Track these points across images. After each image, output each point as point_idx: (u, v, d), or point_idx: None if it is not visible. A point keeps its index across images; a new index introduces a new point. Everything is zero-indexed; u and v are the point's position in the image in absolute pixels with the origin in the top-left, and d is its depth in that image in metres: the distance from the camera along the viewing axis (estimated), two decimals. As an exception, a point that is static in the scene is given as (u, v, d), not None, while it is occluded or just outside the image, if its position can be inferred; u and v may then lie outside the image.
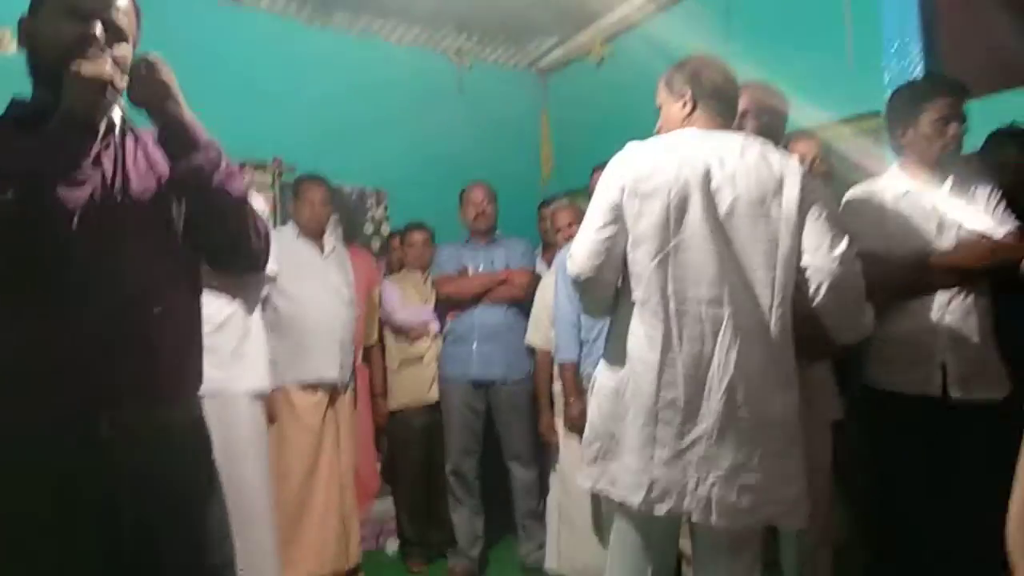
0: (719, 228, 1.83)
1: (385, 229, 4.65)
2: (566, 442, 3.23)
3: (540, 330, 3.42)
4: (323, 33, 4.59)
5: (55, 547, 1.25)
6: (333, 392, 3.42)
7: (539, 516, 3.55)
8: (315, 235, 3.56)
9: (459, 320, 3.63)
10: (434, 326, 3.80)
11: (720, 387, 1.78)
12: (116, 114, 1.28)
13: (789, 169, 1.88)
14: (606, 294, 1.95)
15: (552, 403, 3.38)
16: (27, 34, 1.39)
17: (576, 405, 3.06)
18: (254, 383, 2.76)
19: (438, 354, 3.76)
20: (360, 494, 3.76)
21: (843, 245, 1.83)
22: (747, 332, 1.80)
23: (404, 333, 3.81)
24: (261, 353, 2.84)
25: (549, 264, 3.83)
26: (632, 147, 1.94)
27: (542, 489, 3.56)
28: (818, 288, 1.83)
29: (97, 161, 1.33)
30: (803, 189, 1.85)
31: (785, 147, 2.76)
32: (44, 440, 1.27)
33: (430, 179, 4.53)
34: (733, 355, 1.79)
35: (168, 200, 1.41)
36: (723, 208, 1.83)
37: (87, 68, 1.25)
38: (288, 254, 3.43)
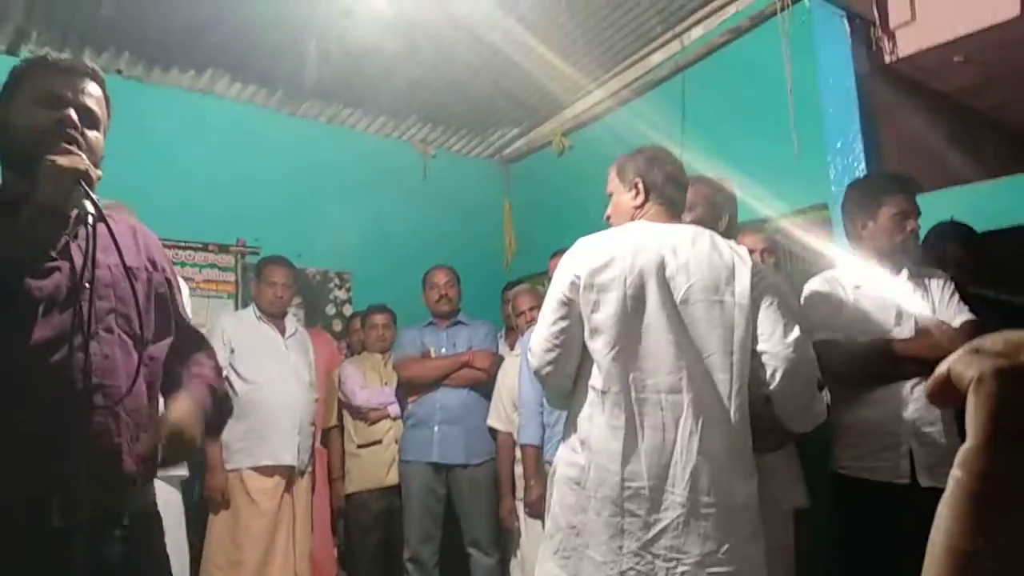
0: (676, 316, 1.87)
1: (347, 311, 4.65)
2: (527, 527, 3.19)
3: (502, 413, 3.42)
4: (291, 120, 4.71)
5: None
6: (290, 476, 3.36)
7: None
8: (277, 317, 3.57)
9: (420, 403, 3.61)
10: (394, 408, 3.77)
11: (684, 475, 1.78)
12: (88, 204, 1.27)
13: (739, 257, 1.95)
14: (565, 385, 1.96)
15: (514, 487, 3.35)
16: None
17: (536, 489, 3.05)
18: (183, 468, 2.78)
19: (397, 437, 3.73)
20: (316, 581, 3.65)
21: (796, 332, 1.89)
22: (708, 418, 1.82)
23: (363, 415, 3.78)
24: None
25: (512, 347, 3.87)
26: (583, 242, 1.98)
27: (503, 575, 3.49)
28: (773, 374, 1.88)
29: (65, 251, 1.33)
30: (754, 275, 1.92)
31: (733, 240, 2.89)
32: (2, 526, 1.24)
33: (394, 262, 4.58)
34: (695, 442, 1.80)
35: (135, 294, 1.41)
36: (679, 295, 1.88)
37: (63, 160, 1.26)
38: (249, 336, 3.44)
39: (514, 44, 3.94)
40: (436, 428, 3.54)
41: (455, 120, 4.97)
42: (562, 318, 1.90)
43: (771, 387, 1.89)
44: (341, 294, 4.74)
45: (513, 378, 3.31)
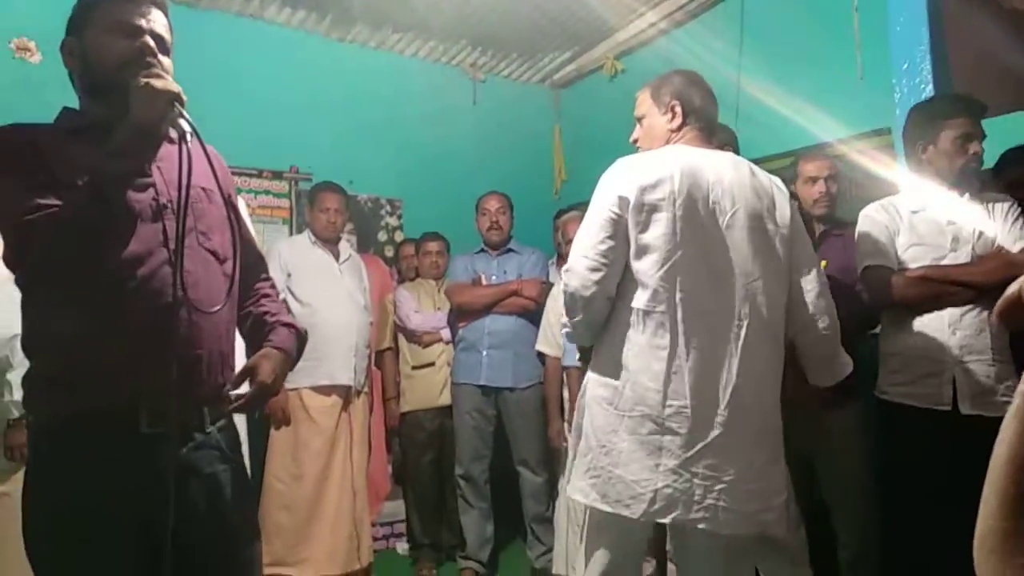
0: (722, 239, 1.88)
1: (399, 237, 4.71)
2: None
3: (550, 337, 3.47)
4: (341, 46, 4.68)
5: (100, 534, 1.30)
6: (347, 395, 3.48)
7: (548, 520, 3.59)
8: (331, 242, 3.65)
9: (469, 328, 3.70)
10: (446, 333, 3.88)
11: (726, 395, 1.81)
12: (184, 123, 1.33)
13: (778, 188, 1.98)
14: (604, 309, 1.93)
15: (562, 409, 3.42)
16: (73, 52, 1.45)
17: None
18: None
19: (450, 359, 3.84)
20: (372, 496, 3.82)
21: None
22: (750, 341, 1.84)
23: (417, 338, 3.89)
24: None
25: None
26: (626, 162, 1.96)
27: (551, 494, 3.60)
28: (805, 314, 1.96)
29: (157, 168, 1.40)
30: (793, 209, 1.97)
31: (796, 165, 2.83)
32: (91, 432, 1.33)
33: (444, 189, 4.61)
34: (736, 363, 1.82)
35: (223, 212, 1.50)
36: (724, 219, 1.88)
37: (158, 82, 1.31)
38: (304, 261, 3.53)
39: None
40: (484, 353, 3.64)
41: (505, 44, 4.88)
42: (609, 237, 1.89)
43: (798, 328, 1.96)
44: (392, 220, 4.79)
45: (562, 304, 3.34)
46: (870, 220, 2.45)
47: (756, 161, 2.09)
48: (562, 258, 4.12)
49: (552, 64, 5.20)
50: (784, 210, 1.93)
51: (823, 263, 2.44)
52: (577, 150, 5.27)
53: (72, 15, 1.46)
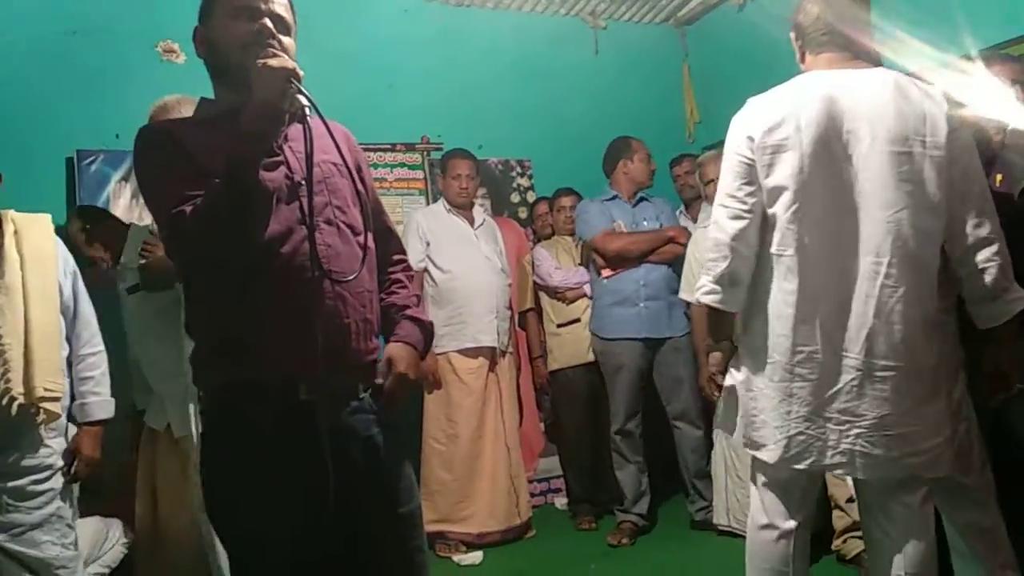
0: (857, 170, 1.75)
1: (531, 197, 4.71)
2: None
3: (693, 285, 3.36)
4: (460, 10, 4.68)
5: (271, 495, 1.39)
6: (493, 356, 3.55)
7: (708, 475, 3.53)
8: (464, 208, 3.71)
9: (620, 280, 3.60)
10: (589, 287, 3.82)
11: (859, 337, 1.72)
12: (303, 99, 1.35)
13: (932, 101, 1.78)
14: (748, 260, 1.84)
15: (711, 358, 3.33)
16: (202, 41, 1.52)
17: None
18: None
19: (594, 315, 3.79)
20: (526, 453, 3.90)
21: (984, 206, 1.77)
22: (891, 278, 1.72)
23: (561, 295, 3.87)
24: None
25: (695, 219, 3.78)
26: (753, 102, 1.88)
27: (709, 446, 3.54)
28: (959, 249, 1.78)
29: (288, 147, 1.44)
30: (950, 123, 1.76)
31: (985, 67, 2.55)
32: (254, 402, 1.41)
33: (573, 144, 4.54)
34: (872, 304, 1.71)
35: (352, 186, 1.53)
36: (861, 148, 1.75)
37: (274, 61, 1.34)
38: (441, 229, 3.61)
39: None
40: (643, 304, 3.56)
41: (624, -14, 4.72)
42: (745, 183, 1.82)
43: (957, 259, 1.78)
44: (524, 181, 4.79)
45: (704, 250, 3.23)
46: None
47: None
48: (689, 203, 4.02)
49: (675, 2, 4.98)
50: (938, 128, 1.74)
51: (998, 177, 2.21)
52: (709, 88, 5.04)
53: (201, 4, 1.52)
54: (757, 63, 3.56)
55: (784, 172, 1.76)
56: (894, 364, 1.72)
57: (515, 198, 4.77)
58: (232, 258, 1.36)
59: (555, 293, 3.89)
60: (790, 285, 1.77)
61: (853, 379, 1.73)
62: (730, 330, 2.03)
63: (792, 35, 1.97)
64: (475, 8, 4.72)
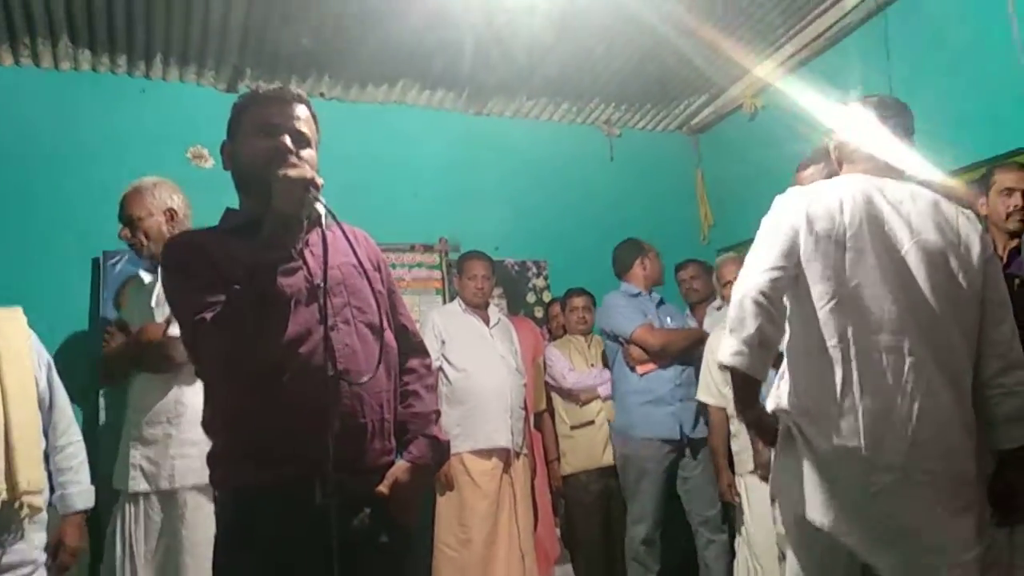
0: (897, 272, 1.75)
1: (547, 297, 4.74)
2: (750, 502, 3.09)
3: (712, 387, 3.34)
4: (479, 119, 4.86)
5: None
6: (507, 458, 3.50)
7: None
8: (480, 308, 3.74)
9: (653, 379, 3.57)
10: (603, 389, 3.80)
11: (905, 437, 1.68)
12: (320, 207, 1.41)
13: (966, 219, 1.83)
14: (776, 323, 1.78)
15: (731, 462, 3.27)
16: (229, 156, 1.62)
17: (764, 452, 2.92)
18: (200, 476, 2.63)
19: (609, 417, 3.75)
20: (542, 560, 3.77)
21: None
22: (929, 382, 1.70)
23: (574, 397, 3.84)
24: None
25: (700, 323, 3.80)
26: (801, 189, 1.91)
27: (731, 553, 3.44)
28: (987, 368, 1.78)
29: (300, 254, 1.48)
30: (983, 241, 1.81)
31: (991, 175, 2.61)
32: (269, 505, 1.41)
33: (588, 246, 4.60)
34: (916, 406, 1.68)
35: (372, 286, 1.57)
36: (902, 250, 1.76)
37: (293, 172, 1.41)
38: (457, 328, 3.63)
39: (692, 6, 3.79)
40: (678, 404, 3.54)
41: (638, 96, 4.89)
42: (783, 254, 1.79)
43: (984, 379, 1.77)
44: (539, 282, 4.84)
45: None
46: None
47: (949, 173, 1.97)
48: (694, 306, 4.05)
49: (688, 110, 5.15)
50: (973, 244, 1.79)
51: (1018, 281, 2.22)
52: (722, 194, 5.14)
53: (229, 121, 1.62)
54: (768, 169, 3.64)
55: (826, 263, 1.76)
56: (936, 469, 1.69)
57: (531, 298, 4.80)
58: (250, 361, 1.39)
59: (568, 395, 3.85)
60: (831, 378, 1.73)
61: (897, 479, 1.68)
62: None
63: (832, 146, 2.02)
64: (494, 117, 4.90)
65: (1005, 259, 2.47)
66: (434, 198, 4.51)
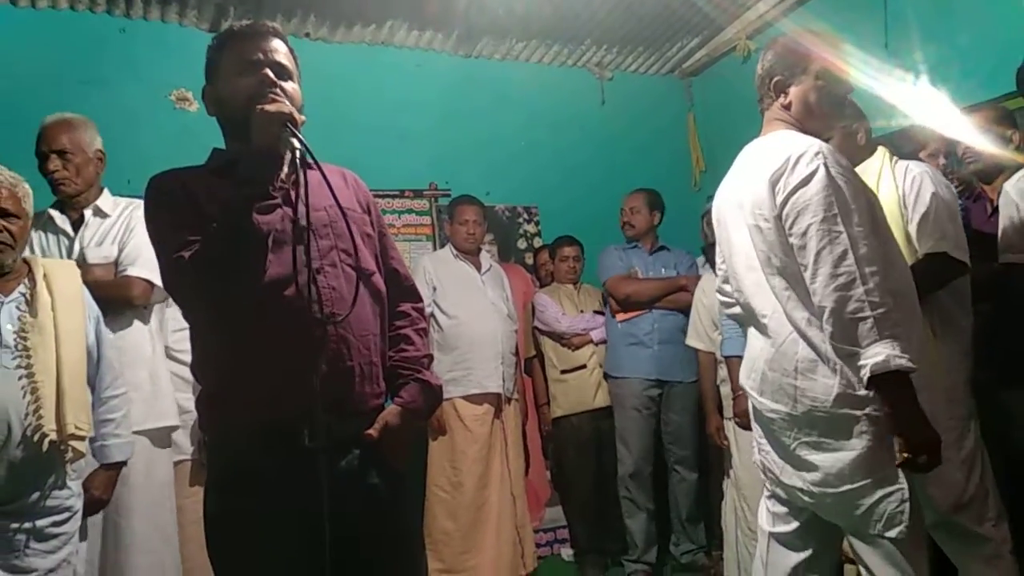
0: (737, 236, 1.86)
1: (538, 244, 4.73)
2: (738, 444, 3.14)
3: (702, 332, 3.37)
4: (468, 61, 4.77)
5: (273, 542, 1.38)
6: (498, 403, 3.53)
7: (698, 519, 3.60)
8: (472, 254, 3.72)
9: (634, 323, 3.68)
10: (596, 334, 3.84)
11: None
12: (295, 142, 1.38)
13: (767, 167, 1.73)
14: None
15: (720, 406, 3.31)
16: (211, 99, 1.57)
17: (743, 399, 2.97)
18: (144, 421, 2.52)
19: (601, 361, 3.79)
20: (532, 502, 3.85)
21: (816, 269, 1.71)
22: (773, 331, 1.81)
23: (567, 341, 3.86)
24: (159, 386, 2.59)
25: (713, 265, 3.80)
26: None
27: (701, 492, 3.58)
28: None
29: (287, 198, 1.45)
30: (780, 189, 1.71)
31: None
32: (257, 449, 1.40)
33: (580, 191, 4.59)
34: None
35: (361, 229, 1.55)
36: (739, 215, 1.84)
37: (270, 106, 1.38)
38: (448, 274, 3.62)
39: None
40: (655, 347, 3.63)
41: (630, 38, 4.79)
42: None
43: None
44: (531, 228, 4.82)
45: (712, 297, 3.23)
46: (1005, 199, 2.24)
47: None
48: (711, 248, 4.03)
49: (680, 53, 5.06)
50: (765, 202, 1.71)
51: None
52: (714, 138, 5.09)
53: (205, 64, 1.57)
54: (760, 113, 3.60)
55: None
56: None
57: (522, 244, 4.79)
58: (232, 301, 1.37)
59: (561, 339, 3.87)
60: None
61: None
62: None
63: None
64: (484, 59, 4.80)
65: (995, 202, 2.47)
66: (423, 143, 4.44)
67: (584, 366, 3.81)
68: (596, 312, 3.92)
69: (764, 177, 1.71)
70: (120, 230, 2.52)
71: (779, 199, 1.68)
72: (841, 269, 1.57)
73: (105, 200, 2.57)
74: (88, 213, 2.52)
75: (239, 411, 1.41)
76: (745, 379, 1.89)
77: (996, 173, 2.58)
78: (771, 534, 1.89)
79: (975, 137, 2.53)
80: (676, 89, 5.33)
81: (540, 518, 4.06)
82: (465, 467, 3.41)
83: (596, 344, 3.83)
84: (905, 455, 1.56)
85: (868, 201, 1.74)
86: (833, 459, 1.66)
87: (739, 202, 1.81)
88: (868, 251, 1.59)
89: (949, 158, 2.91)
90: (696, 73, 5.26)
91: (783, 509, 1.88)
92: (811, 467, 1.71)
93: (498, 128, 4.62)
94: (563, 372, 3.85)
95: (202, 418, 1.51)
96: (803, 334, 1.68)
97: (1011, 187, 2.27)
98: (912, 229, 2.18)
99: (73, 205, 2.52)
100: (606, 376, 3.78)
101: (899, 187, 2.21)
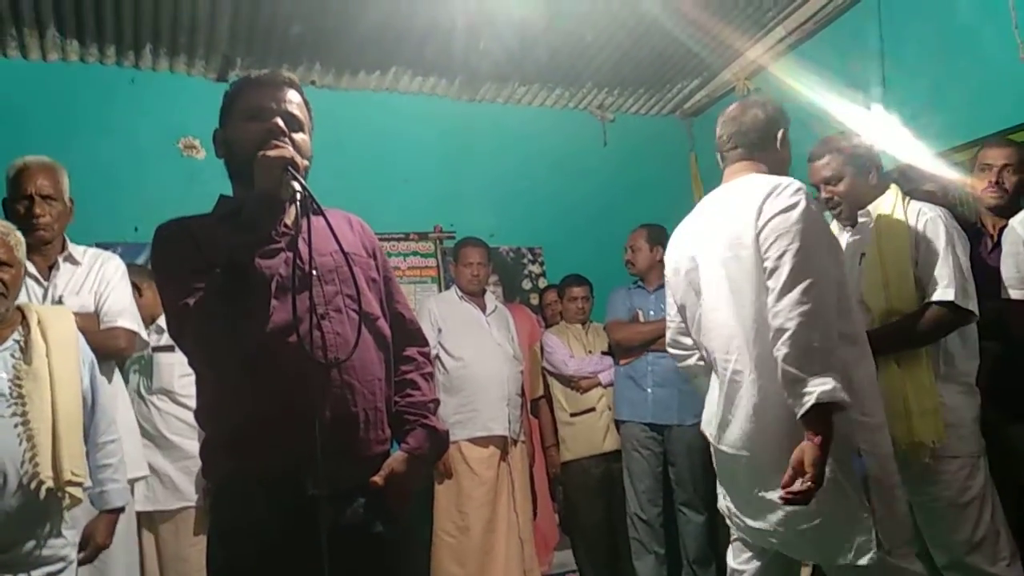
0: (709, 280, 1.91)
1: (543, 284, 4.74)
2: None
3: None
4: (471, 105, 4.83)
5: None
6: (504, 445, 3.50)
7: (706, 561, 3.50)
8: (476, 295, 3.73)
9: (632, 367, 3.66)
10: (604, 376, 3.82)
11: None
12: (296, 185, 1.38)
13: (754, 190, 1.85)
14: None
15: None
16: (220, 143, 1.59)
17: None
18: (142, 468, 2.61)
19: (610, 403, 3.77)
20: (540, 546, 3.79)
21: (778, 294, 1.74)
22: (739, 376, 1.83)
23: (575, 384, 3.84)
24: (132, 435, 2.60)
25: None
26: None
27: (711, 533, 3.51)
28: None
29: (292, 243, 1.44)
30: (760, 211, 1.79)
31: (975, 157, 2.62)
32: (261, 496, 1.39)
33: (583, 232, 4.61)
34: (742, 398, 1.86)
35: (367, 274, 1.56)
36: (709, 258, 1.92)
37: (272, 152, 1.39)
38: (453, 316, 3.62)
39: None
40: (650, 390, 3.59)
41: (630, 80, 4.86)
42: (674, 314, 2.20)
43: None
44: (535, 268, 4.84)
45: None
46: (1011, 235, 2.23)
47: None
48: None
49: (681, 94, 5.13)
50: (748, 227, 1.78)
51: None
52: (716, 178, 5.09)
53: (221, 107, 1.59)
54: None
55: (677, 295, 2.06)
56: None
57: (527, 285, 4.80)
58: (235, 347, 1.37)
59: (569, 382, 3.85)
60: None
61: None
62: None
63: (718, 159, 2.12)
64: (486, 103, 4.87)
65: (996, 238, 2.47)
66: (428, 186, 4.49)
67: (593, 409, 3.79)
68: (605, 353, 3.89)
69: (751, 206, 1.78)
70: (95, 280, 2.53)
71: (760, 221, 1.75)
72: (807, 298, 1.63)
73: (74, 248, 2.58)
74: (60, 259, 2.51)
75: (242, 458, 1.40)
76: (705, 426, 1.97)
77: (1015, 210, 2.58)
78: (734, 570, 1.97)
79: (992, 171, 2.53)
80: (677, 129, 5.38)
81: (548, 562, 4.00)
82: (471, 511, 3.38)
83: (604, 386, 3.80)
84: (809, 485, 1.59)
85: (835, 247, 1.89)
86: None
87: (712, 240, 1.88)
88: (830, 292, 1.68)
89: (949, 195, 2.92)
90: (697, 113, 5.32)
91: (747, 553, 1.94)
92: (772, 507, 1.74)
93: (501, 170, 4.67)
94: (572, 415, 3.82)
95: (206, 465, 1.51)
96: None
97: (1019, 223, 2.26)
98: (920, 272, 2.18)
99: (43, 251, 2.49)
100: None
101: (911, 227, 2.22)
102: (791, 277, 1.65)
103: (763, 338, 1.71)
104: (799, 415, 1.60)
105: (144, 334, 2.56)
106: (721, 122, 2.07)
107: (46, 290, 2.47)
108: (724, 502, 1.95)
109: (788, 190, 1.77)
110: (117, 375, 2.64)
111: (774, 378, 1.67)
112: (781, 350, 1.62)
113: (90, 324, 2.43)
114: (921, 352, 2.14)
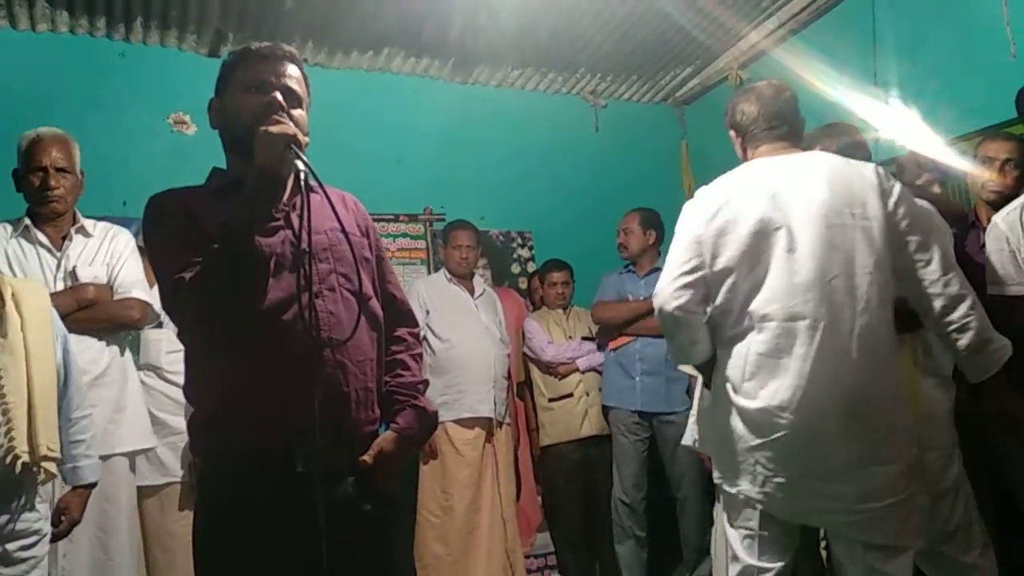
0: (792, 245, 1.84)
1: (531, 268, 4.75)
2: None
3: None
4: (464, 88, 4.82)
5: (263, 569, 1.37)
6: (490, 427, 3.53)
7: (707, 549, 3.47)
8: (465, 278, 3.74)
9: (621, 353, 3.69)
10: (582, 362, 3.84)
11: (793, 401, 1.87)
12: (300, 164, 1.37)
13: (863, 180, 1.89)
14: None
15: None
16: (217, 112, 1.57)
17: None
18: (136, 442, 2.60)
19: (588, 389, 3.80)
20: (523, 527, 3.83)
21: (941, 268, 1.89)
22: (825, 344, 1.80)
23: (553, 370, 3.87)
24: (140, 407, 2.65)
25: None
26: (699, 192, 2.02)
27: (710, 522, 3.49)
28: (929, 312, 1.91)
29: (287, 219, 1.45)
30: (894, 197, 1.88)
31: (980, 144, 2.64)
32: (250, 474, 1.39)
33: (573, 217, 4.62)
34: (808, 367, 1.85)
35: (360, 253, 1.55)
36: (795, 224, 1.84)
37: (274, 128, 1.37)
38: (441, 298, 3.64)
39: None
40: (638, 378, 3.60)
41: (624, 67, 4.85)
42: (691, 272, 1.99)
43: (930, 323, 1.95)
44: (524, 252, 4.85)
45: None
46: (995, 231, 2.27)
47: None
48: None
49: (674, 82, 5.13)
50: (868, 201, 1.84)
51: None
52: (706, 167, 5.12)
53: (218, 77, 1.57)
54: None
55: (728, 254, 1.87)
56: (829, 425, 1.78)
57: (515, 268, 4.81)
58: (230, 324, 1.36)
59: (547, 367, 3.88)
60: (741, 354, 1.90)
61: (782, 435, 1.80)
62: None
63: (731, 134, 2.10)
64: (479, 86, 4.85)
65: None
66: (419, 167, 4.48)
67: (571, 395, 3.82)
68: (585, 338, 3.91)
69: (865, 182, 1.87)
70: (107, 252, 2.54)
71: (891, 200, 1.86)
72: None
73: (86, 220, 2.59)
74: (72, 231, 2.52)
75: (233, 435, 1.40)
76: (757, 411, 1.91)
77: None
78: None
79: (994, 165, 2.54)
80: (669, 117, 5.39)
81: (531, 543, 4.04)
82: (456, 491, 3.40)
83: (583, 372, 3.83)
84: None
85: None
86: (881, 472, 1.77)
87: (808, 205, 1.84)
88: None
89: (944, 187, 2.94)
90: (689, 102, 5.32)
91: (770, 549, 1.90)
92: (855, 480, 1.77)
93: (493, 154, 4.66)
94: (550, 400, 3.85)
95: (194, 441, 1.51)
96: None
97: (1001, 219, 2.28)
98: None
99: (56, 223, 2.51)
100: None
101: None
102: (949, 257, 1.87)
103: (860, 297, 1.79)
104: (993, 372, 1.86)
105: (157, 306, 2.56)
106: (754, 98, 2.05)
107: (59, 261, 2.47)
108: (750, 487, 1.87)
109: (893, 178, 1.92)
110: (128, 350, 2.65)
111: (850, 350, 1.77)
112: (969, 315, 1.82)
113: (104, 295, 2.46)
114: (903, 340, 2.17)
